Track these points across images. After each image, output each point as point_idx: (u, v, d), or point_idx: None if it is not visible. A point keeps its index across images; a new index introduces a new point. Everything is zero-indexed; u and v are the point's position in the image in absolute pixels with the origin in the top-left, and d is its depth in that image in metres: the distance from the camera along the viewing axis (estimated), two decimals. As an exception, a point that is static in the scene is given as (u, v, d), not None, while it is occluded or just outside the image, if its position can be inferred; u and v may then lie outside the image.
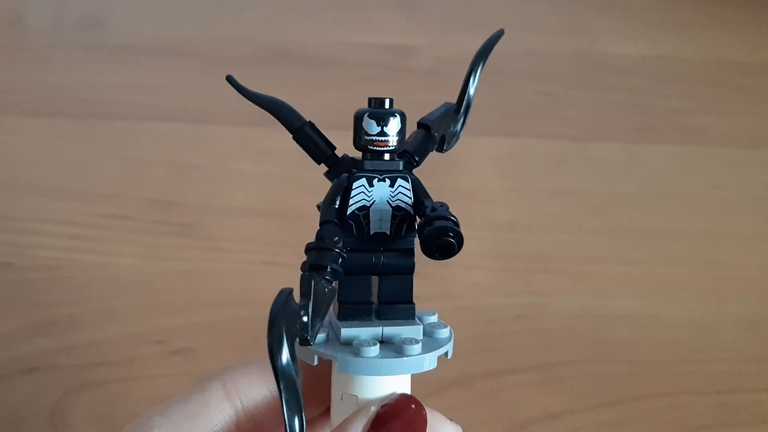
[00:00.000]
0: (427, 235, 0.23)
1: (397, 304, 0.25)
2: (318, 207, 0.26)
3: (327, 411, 0.28)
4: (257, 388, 0.26)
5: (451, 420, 0.25)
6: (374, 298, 0.26)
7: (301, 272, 0.23)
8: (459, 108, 0.28)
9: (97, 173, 0.55)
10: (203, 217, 0.53)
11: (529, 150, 0.60)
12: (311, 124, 0.26)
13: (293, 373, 0.21)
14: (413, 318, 0.26)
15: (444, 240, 0.23)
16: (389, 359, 0.24)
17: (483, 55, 0.27)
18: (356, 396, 0.25)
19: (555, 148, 0.61)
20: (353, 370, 0.24)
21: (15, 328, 0.46)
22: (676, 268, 0.54)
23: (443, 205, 0.24)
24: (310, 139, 0.26)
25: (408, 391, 0.25)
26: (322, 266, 0.23)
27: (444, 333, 0.26)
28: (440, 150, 0.28)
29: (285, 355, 0.21)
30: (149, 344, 0.46)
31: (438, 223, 0.23)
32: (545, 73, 0.66)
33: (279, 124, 0.26)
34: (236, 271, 0.50)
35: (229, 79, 0.26)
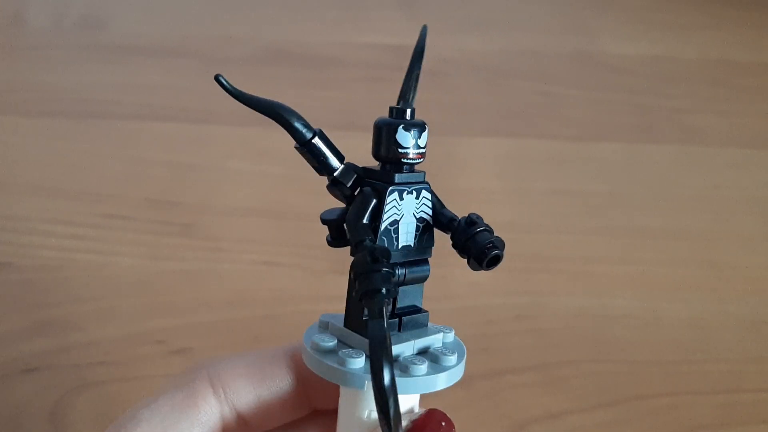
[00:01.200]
0: (477, 251, 0.24)
1: (416, 314, 0.25)
2: (322, 220, 0.25)
3: (313, 414, 0.28)
4: (241, 382, 0.27)
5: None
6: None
7: (365, 298, 0.22)
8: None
9: (97, 173, 0.55)
10: (203, 217, 0.53)
11: (529, 150, 0.60)
12: (321, 134, 0.24)
13: (397, 397, 0.20)
14: (426, 326, 0.26)
15: (497, 254, 0.24)
16: (437, 375, 0.24)
17: (418, 55, 0.28)
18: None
19: (555, 148, 0.61)
20: (410, 390, 0.23)
21: (15, 328, 0.46)
22: (676, 268, 0.54)
23: (479, 216, 0.25)
24: (321, 151, 0.24)
25: (417, 401, 0.26)
26: (382, 289, 0.22)
27: (450, 336, 0.26)
28: None
29: (393, 378, 0.20)
30: (149, 344, 0.46)
31: (490, 239, 0.24)
32: (545, 73, 0.66)
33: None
34: (236, 271, 0.50)
35: (219, 80, 0.23)
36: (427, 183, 0.25)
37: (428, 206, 0.25)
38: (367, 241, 0.23)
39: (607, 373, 0.47)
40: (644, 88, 0.66)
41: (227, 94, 0.24)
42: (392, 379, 0.20)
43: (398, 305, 0.25)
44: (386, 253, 0.22)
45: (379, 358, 0.20)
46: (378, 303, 0.21)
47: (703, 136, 0.63)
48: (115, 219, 0.52)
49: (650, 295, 0.52)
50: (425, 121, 0.25)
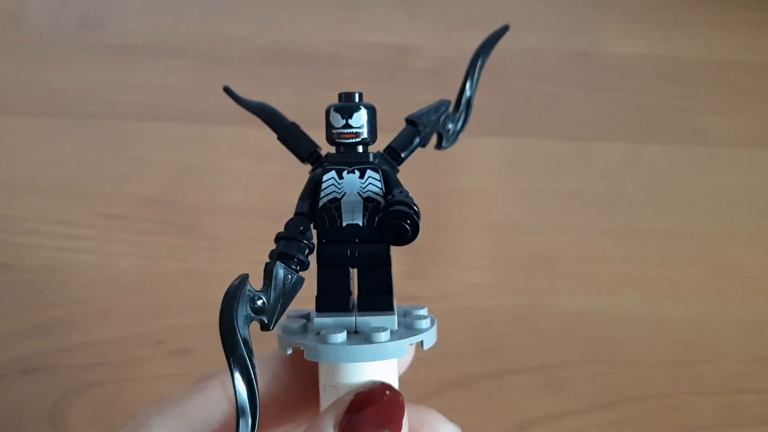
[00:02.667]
0: (381, 219, 0.23)
1: (376, 295, 0.26)
2: None
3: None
4: None
5: (450, 422, 0.25)
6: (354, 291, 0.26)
7: (268, 260, 0.23)
8: (458, 105, 0.28)
9: (97, 173, 0.55)
10: (203, 217, 0.53)
11: (529, 150, 0.60)
12: (295, 125, 0.27)
13: (246, 356, 0.21)
14: (391, 309, 0.26)
15: (396, 223, 0.22)
16: (354, 345, 0.24)
17: (484, 50, 0.28)
18: (336, 387, 0.25)
19: (556, 148, 0.60)
20: (319, 356, 0.24)
21: (14, 328, 0.46)
22: (678, 269, 0.54)
23: (403, 191, 0.25)
24: (294, 139, 0.27)
25: (395, 384, 0.25)
26: (288, 255, 0.24)
27: (424, 324, 0.26)
28: (438, 147, 0.28)
29: (237, 338, 0.22)
30: (148, 345, 0.45)
31: (393, 208, 0.23)
32: (546, 73, 0.66)
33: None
34: (236, 271, 0.50)
35: (227, 90, 0.27)
36: (377, 164, 0.26)
37: (377, 186, 0.25)
38: (301, 214, 0.25)
39: (608, 374, 0.47)
40: (646, 87, 0.66)
41: (226, 95, 0.27)
42: (243, 343, 0.21)
43: (360, 286, 0.26)
44: (296, 223, 0.24)
45: (229, 315, 0.22)
46: (268, 266, 0.23)
47: (705, 136, 0.63)
48: (115, 219, 0.52)
49: (652, 295, 0.52)
50: (370, 104, 0.26)
